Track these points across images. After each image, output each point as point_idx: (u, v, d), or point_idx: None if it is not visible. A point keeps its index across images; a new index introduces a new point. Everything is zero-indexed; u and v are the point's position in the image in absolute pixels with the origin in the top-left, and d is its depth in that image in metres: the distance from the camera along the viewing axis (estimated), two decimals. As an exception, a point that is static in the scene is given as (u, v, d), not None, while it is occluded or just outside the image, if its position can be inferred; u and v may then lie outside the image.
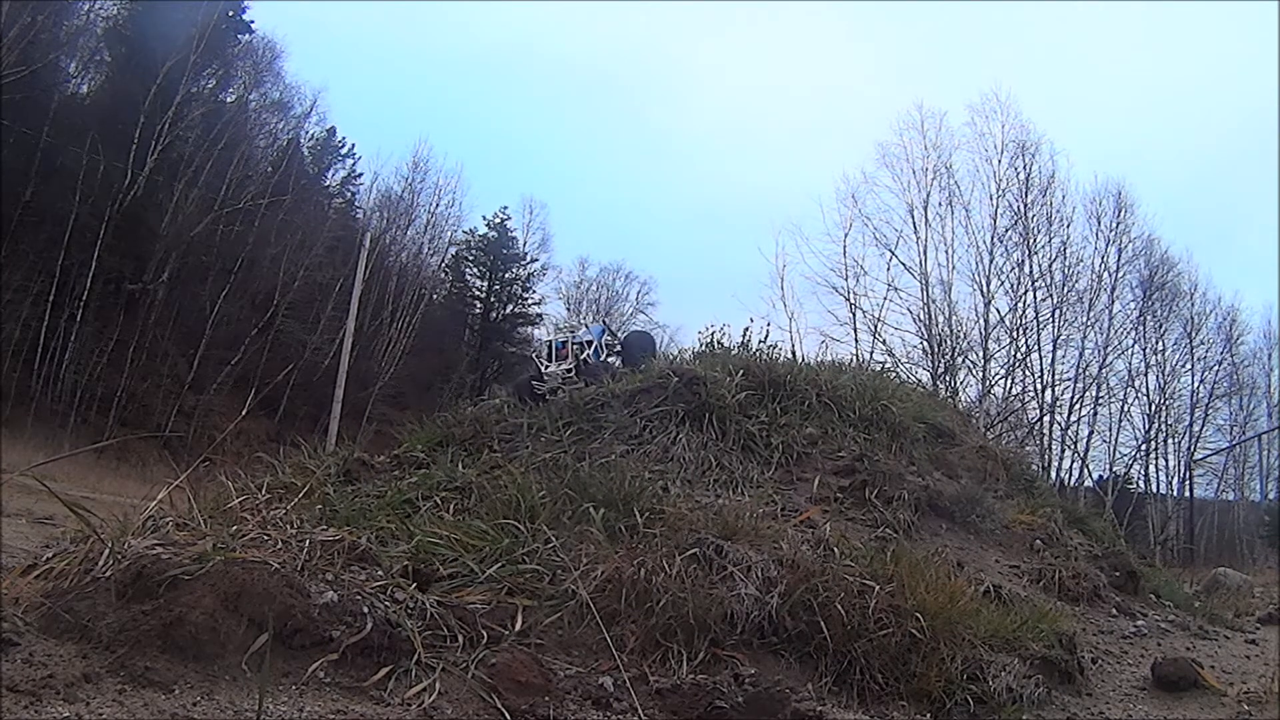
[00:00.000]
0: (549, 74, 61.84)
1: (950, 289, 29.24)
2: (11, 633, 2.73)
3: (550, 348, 9.12)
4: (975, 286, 29.25)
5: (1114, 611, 6.26)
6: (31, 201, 22.84)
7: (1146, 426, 30.33)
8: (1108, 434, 30.16)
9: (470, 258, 41.19)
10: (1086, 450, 29.77)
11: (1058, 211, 29.99)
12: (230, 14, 30.00)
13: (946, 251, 29.51)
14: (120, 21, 27.60)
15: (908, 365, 25.86)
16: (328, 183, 37.21)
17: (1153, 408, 30.36)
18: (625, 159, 63.83)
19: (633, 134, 62.56)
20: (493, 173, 53.36)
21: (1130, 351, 30.26)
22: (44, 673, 2.61)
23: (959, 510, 6.72)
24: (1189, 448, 30.90)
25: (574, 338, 9.48)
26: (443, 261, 40.20)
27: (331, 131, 36.49)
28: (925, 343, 28.61)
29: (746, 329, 9.42)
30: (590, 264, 41.99)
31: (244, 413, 20.09)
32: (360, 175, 37.72)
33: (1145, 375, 30.43)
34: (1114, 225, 30.38)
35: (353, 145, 37.24)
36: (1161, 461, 31.11)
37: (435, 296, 38.39)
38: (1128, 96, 52.12)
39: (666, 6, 63.54)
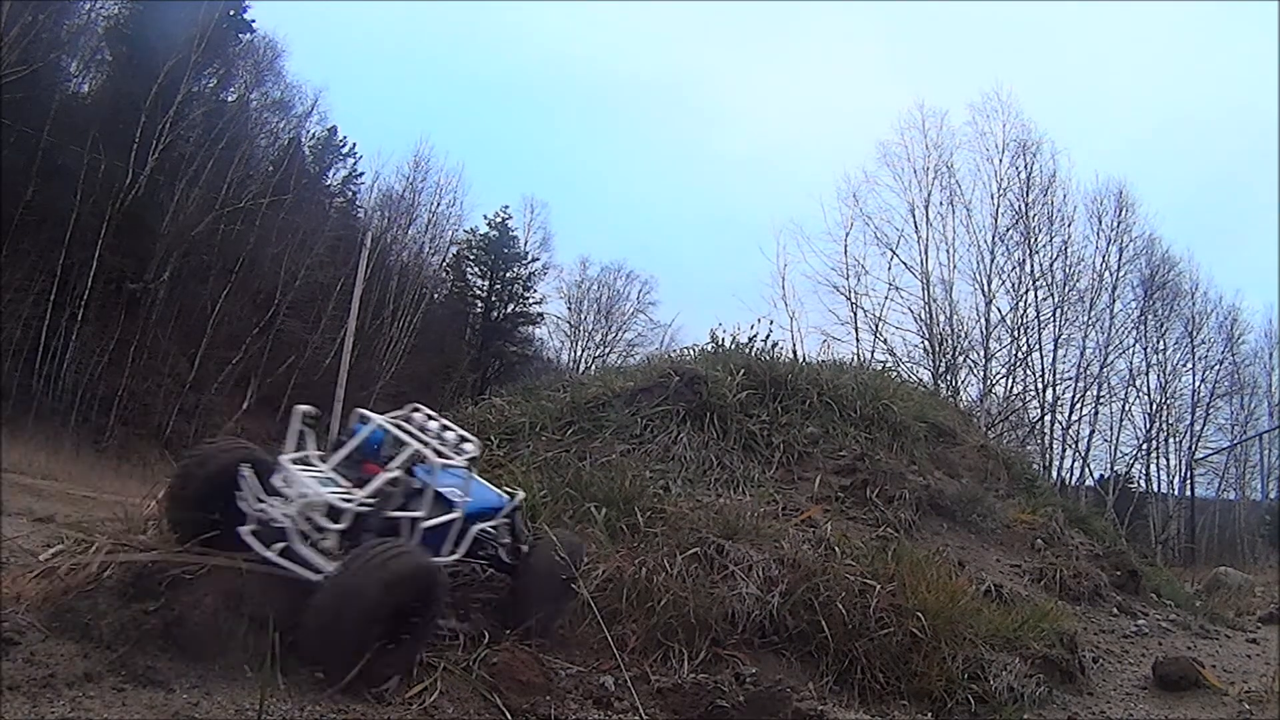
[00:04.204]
0: (547, 71, 61.72)
1: (951, 288, 29.17)
2: (13, 632, 2.73)
3: None
4: (976, 286, 29.19)
5: (1115, 611, 6.27)
6: (32, 201, 22.82)
7: (1147, 426, 30.29)
8: (1109, 433, 30.09)
9: (471, 257, 41.09)
10: (1088, 449, 29.72)
11: (1059, 211, 29.92)
12: (231, 13, 29.93)
13: (948, 251, 29.43)
14: (121, 21, 27.54)
15: (909, 364, 25.85)
16: (329, 182, 37.09)
17: (1154, 407, 30.30)
18: (624, 157, 63.78)
19: (631, 132, 62.45)
20: (493, 172, 53.15)
21: (1131, 351, 30.20)
22: (45, 672, 2.61)
23: (960, 509, 6.72)
24: (1190, 447, 30.81)
25: None
26: (444, 261, 40.12)
27: (333, 131, 36.37)
28: (926, 342, 28.57)
29: (753, 327, 9.35)
30: (591, 263, 41.86)
31: (243, 408, 20.03)
32: (361, 174, 37.59)
33: (1146, 374, 30.36)
34: (1115, 224, 30.30)
35: (354, 144, 37.11)
36: (1162, 461, 31.06)
37: (436, 296, 38.31)
38: (1129, 96, 52.05)
39: (666, 7, 63.52)
